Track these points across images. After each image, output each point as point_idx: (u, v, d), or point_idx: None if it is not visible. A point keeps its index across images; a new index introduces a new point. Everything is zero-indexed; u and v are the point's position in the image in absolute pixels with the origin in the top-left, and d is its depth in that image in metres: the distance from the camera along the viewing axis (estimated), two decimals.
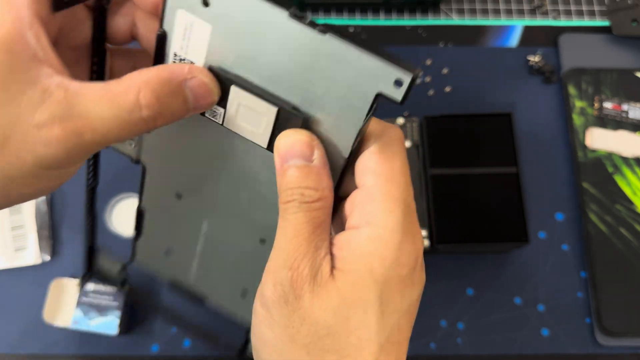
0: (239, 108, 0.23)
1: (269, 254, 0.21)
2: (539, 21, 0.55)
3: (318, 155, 0.21)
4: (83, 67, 0.23)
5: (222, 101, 0.23)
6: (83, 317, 0.43)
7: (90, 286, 0.44)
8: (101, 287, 0.44)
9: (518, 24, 0.55)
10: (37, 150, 0.18)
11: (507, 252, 0.48)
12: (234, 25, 0.21)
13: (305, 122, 0.22)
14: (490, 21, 0.55)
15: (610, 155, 0.50)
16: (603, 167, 0.49)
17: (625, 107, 0.51)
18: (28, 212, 0.47)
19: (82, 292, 0.44)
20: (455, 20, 0.55)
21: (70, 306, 0.44)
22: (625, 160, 0.49)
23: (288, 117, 0.22)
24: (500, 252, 0.47)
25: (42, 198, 0.48)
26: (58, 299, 0.45)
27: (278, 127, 0.22)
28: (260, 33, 0.21)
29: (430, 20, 0.55)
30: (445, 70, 0.53)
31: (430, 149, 0.46)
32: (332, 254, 0.20)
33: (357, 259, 0.20)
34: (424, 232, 0.45)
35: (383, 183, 0.20)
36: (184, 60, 0.23)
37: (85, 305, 0.43)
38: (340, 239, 0.21)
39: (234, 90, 0.22)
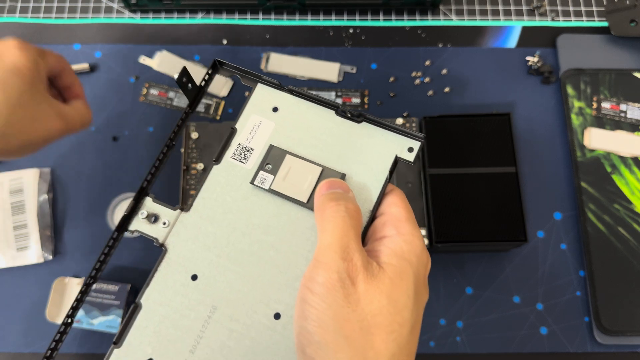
0: (289, 172, 0.29)
1: (284, 328, 0.27)
2: (537, 22, 0.56)
3: (352, 195, 0.28)
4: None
5: (273, 170, 0.29)
6: (85, 316, 0.44)
7: (92, 285, 0.44)
8: (103, 286, 0.44)
9: (517, 25, 0.55)
10: (50, 128, 0.37)
11: (506, 251, 0.48)
12: (292, 120, 0.31)
13: (342, 178, 0.29)
14: (489, 22, 0.56)
15: (608, 155, 0.50)
16: (601, 167, 0.49)
17: (623, 107, 0.51)
18: (30, 212, 0.48)
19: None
20: (455, 21, 0.56)
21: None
22: (623, 159, 0.50)
23: (329, 174, 0.29)
24: (499, 251, 0.48)
25: (44, 198, 0.48)
26: (60, 297, 0.45)
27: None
28: (312, 124, 0.30)
29: (430, 21, 0.56)
30: (444, 71, 0.53)
31: (430, 149, 0.47)
32: (374, 255, 0.26)
33: (399, 255, 0.25)
34: (423, 232, 0.45)
35: (405, 212, 0.27)
36: (245, 147, 0.31)
37: (88, 304, 0.44)
38: (378, 244, 0.26)
39: (288, 158, 0.29)
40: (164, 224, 0.29)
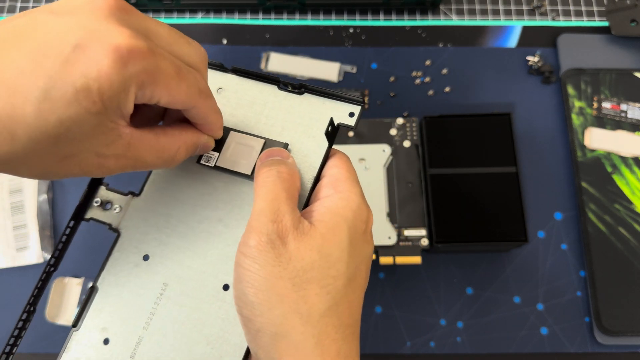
0: (233, 147, 0.30)
1: (231, 298, 0.27)
2: (538, 21, 0.55)
3: (292, 161, 0.28)
4: (148, 122, 0.30)
5: (218, 147, 0.30)
6: None
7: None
8: None
9: (517, 25, 0.55)
10: (89, 169, 0.24)
11: (507, 252, 0.48)
12: (236, 98, 0.31)
13: (285, 147, 0.29)
14: (489, 22, 0.55)
15: (609, 155, 0.50)
16: (602, 167, 0.49)
17: (624, 107, 0.51)
18: (30, 211, 0.48)
19: (84, 291, 0.44)
20: (455, 20, 0.56)
21: (72, 305, 0.44)
22: (624, 160, 0.50)
23: (272, 145, 0.30)
24: (499, 251, 0.48)
25: (44, 198, 0.48)
26: (60, 297, 0.45)
27: None
28: (256, 100, 0.31)
29: (430, 21, 0.56)
30: (444, 71, 0.53)
31: (430, 149, 0.47)
32: (309, 215, 0.26)
33: (333, 212, 0.26)
34: (423, 232, 0.45)
35: (345, 172, 0.28)
36: None
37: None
38: (315, 204, 0.27)
39: (231, 134, 0.30)
40: (117, 209, 0.31)
